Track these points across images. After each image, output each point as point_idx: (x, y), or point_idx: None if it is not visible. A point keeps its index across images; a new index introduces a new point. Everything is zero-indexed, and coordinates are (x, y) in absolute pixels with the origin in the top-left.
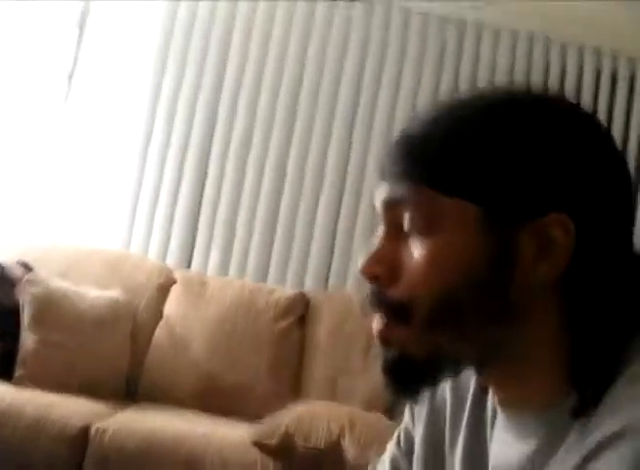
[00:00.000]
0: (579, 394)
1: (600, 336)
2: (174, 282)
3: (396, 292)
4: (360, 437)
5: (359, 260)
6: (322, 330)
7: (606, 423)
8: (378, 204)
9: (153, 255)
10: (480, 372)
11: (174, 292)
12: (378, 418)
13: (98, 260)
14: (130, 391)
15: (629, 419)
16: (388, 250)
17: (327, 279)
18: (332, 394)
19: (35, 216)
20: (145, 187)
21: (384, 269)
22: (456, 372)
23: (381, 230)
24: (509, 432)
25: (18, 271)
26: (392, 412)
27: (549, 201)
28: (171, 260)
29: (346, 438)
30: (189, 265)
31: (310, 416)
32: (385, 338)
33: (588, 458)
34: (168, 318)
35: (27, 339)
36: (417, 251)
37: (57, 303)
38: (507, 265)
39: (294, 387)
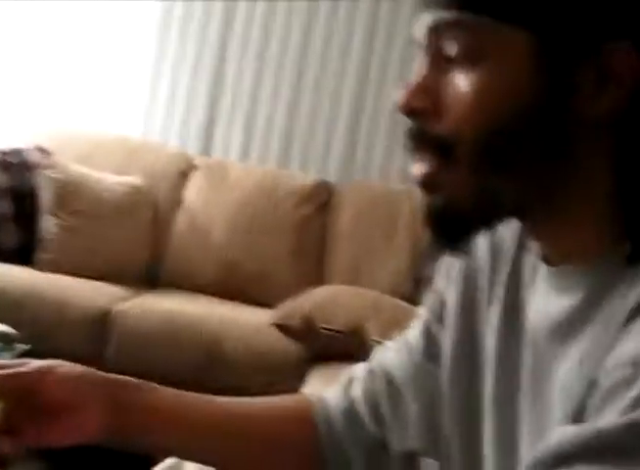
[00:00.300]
0: (632, 241)
1: None
2: (195, 168)
3: (441, 126)
4: (383, 320)
5: (397, 93)
6: (344, 218)
7: None
8: (419, 32)
9: (173, 142)
10: (526, 221)
11: (195, 178)
12: (401, 304)
13: (117, 147)
14: (151, 277)
15: None
16: (431, 81)
17: (350, 169)
18: (355, 280)
19: (54, 103)
20: (164, 73)
21: (427, 102)
22: (502, 220)
23: (421, 61)
24: (552, 286)
25: (36, 156)
26: (414, 300)
27: (612, 28)
28: (192, 148)
29: (370, 321)
30: (210, 153)
31: (333, 300)
32: (430, 182)
33: None
34: (189, 205)
35: (47, 223)
36: (463, 81)
37: (76, 187)
38: (562, 100)
39: (316, 274)
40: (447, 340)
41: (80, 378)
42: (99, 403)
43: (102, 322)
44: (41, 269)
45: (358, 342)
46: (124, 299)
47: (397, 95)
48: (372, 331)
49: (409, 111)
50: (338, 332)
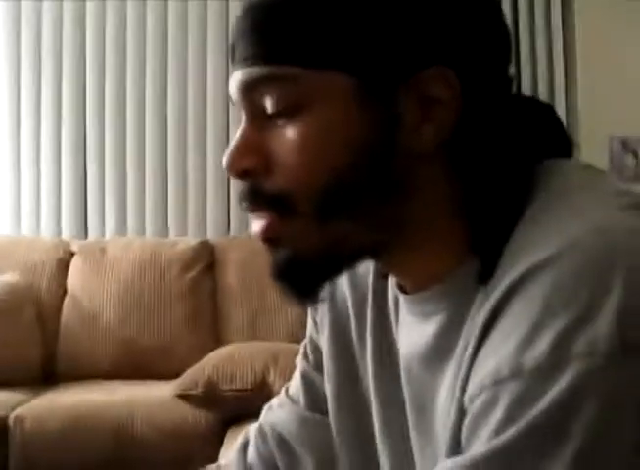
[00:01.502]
0: (481, 257)
1: (492, 195)
2: (73, 254)
3: (275, 183)
4: (285, 368)
5: (224, 158)
6: (232, 275)
7: (509, 273)
8: (233, 91)
9: (46, 233)
10: (377, 258)
11: (75, 264)
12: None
13: None
14: (47, 374)
15: (531, 261)
16: (255, 138)
17: (228, 224)
18: (253, 334)
19: None
20: (23, 163)
21: (254, 160)
22: (353, 263)
23: (241, 120)
24: (413, 315)
25: None
26: None
27: (425, 56)
28: (66, 234)
29: (271, 372)
30: (86, 234)
31: (231, 359)
32: (272, 236)
33: (498, 309)
34: (74, 292)
35: None
36: (288, 135)
37: None
38: (390, 135)
39: (213, 336)
40: (328, 385)
41: None
42: None
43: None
44: None
45: (265, 396)
46: (21, 402)
47: (223, 158)
48: (275, 382)
49: (238, 172)
50: (242, 391)
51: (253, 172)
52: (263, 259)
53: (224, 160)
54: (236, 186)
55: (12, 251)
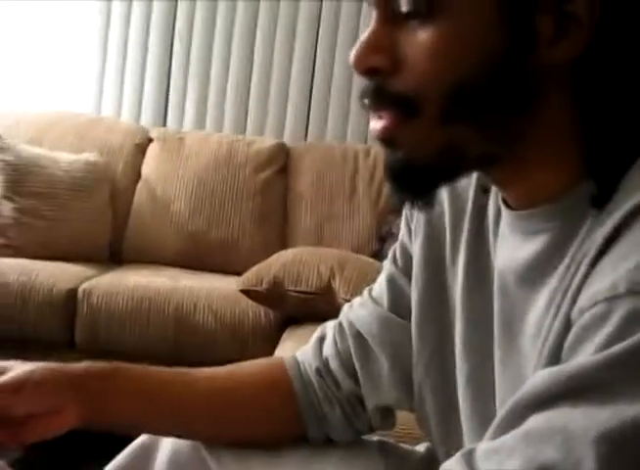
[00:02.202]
0: (598, 181)
1: (615, 123)
2: (151, 141)
3: (402, 83)
4: (350, 277)
5: (351, 53)
6: (304, 179)
7: (627, 202)
8: None
9: (126, 116)
10: (488, 171)
11: (151, 151)
12: (366, 260)
13: (70, 126)
14: (114, 253)
15: None
16: (385, 36)
17: (306, 130)
18: (319, 241)
19: (1, 85)
20: (111, 46)
21: (383, 59)
22: (465, 172)
23: (373, 16)
24: (516, 232)
25: None
26: (379, 256)
27: None
28: (146, 121)
29: (337, 279)
30: (164, 124)
31: (298, 261)
32: (391, 136)
33: (619, 229)
34: (148, 178)
35: (3, 208)
36: (421, 35)
37: (30, 169)
38: (524, 47)
39: (280, 238)
40: (414, 292)
41: (52, 383)
42: (74, 402)
43: (68, 303)
44: (1, 255)
45: (327, 301)
46: (89, 277)
47: (351, 54)
48: (340, 289)
49: (365, 70)
50: (306, 293)
51: (381, 71)
52: (336, 169)
53: (351, 54)
54: (319, 92)
55: (92, 130)
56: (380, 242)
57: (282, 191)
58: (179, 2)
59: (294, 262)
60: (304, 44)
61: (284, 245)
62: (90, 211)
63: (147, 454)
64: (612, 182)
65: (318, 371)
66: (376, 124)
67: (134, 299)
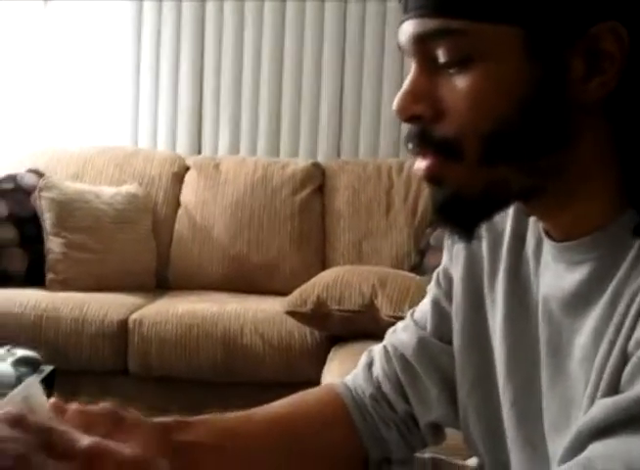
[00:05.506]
0: (637, 210)
1: None
2: (188, 169)
3: (443, 129)
4: (392, 294)
5: (395, 101)
6: (340, 197)
7: None
8: (404, 39)
9: (162, 146)
10: (530, 203)
11: (189, 178)
12: (406, 275)
13: (109, 159)
14: (160, 281)
15: None
16: (425, 85)
17: (338, 147)
18: (358, 257)
19: (40, 124)
20: (144, 78)
21: (424, 107)
22: (508, 205)
23: (413, 67)
24: (559, 261)
25: (30, 179)
26: (419, 269)
27: (596, 11)
28: (181, 149)
29: (379, 296)
30: (199, 151)
31: (340, 281)
32: (436, 176)
33: None
34: (187, 205)
35: (52, 244)
36: (459, 83)
37: (75, 204)
38: (556, 88)
39: (319, 256)
40: (456, 320)
41: (145, 432)
42: (163, 452)
43: (120, 333)
44: (53, 290)
45: (371, 318)
46: (139, 306)
47: (394, 102)
48: (383, 306)
49: (408, 117)
50: (350, 311)
51: (423, 118)
52: (372, 185)
53: (395, 103)
54: (350, 110)
55: (130, 162)
56: (419, 255)
57: (319, 210)
58: (206, 31)
59: (335, 282)
60: (332, 63)
61: (324, 263)
62: (134, 241)
63: None
64: None
65: (373, 396)
66: (420, 164)
67: (183, 325)
